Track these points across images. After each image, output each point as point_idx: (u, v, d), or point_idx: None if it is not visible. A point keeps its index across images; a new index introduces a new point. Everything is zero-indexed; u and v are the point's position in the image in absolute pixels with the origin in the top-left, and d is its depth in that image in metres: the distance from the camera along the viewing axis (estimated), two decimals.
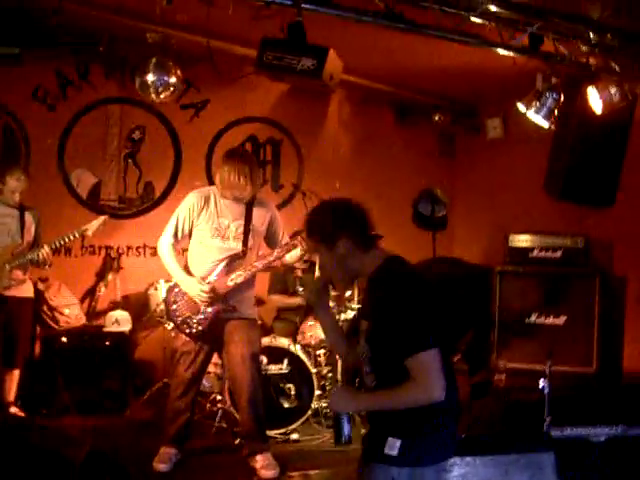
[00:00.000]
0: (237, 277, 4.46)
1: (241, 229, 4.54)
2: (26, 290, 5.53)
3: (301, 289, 2.42)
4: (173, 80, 5.70)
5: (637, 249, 5.99)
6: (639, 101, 5.31)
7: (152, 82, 5.65)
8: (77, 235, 5.32)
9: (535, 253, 6.17)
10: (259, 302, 6.35)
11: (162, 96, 5.76)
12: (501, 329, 6.01)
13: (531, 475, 3.44)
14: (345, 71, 4.63)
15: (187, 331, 4.54)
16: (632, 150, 5.40)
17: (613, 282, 6.07)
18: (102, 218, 5.42)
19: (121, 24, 5.70)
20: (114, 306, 6.78)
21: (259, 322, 5.22)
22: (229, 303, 4.52)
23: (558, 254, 6.14)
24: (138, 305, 6.72)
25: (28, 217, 5.48)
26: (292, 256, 4.66)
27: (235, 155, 4.56)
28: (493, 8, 4.29)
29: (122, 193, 7.10)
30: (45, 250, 5.23)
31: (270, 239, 4.70)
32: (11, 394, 5.56)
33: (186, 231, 4.60)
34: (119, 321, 6.42)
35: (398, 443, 2.41)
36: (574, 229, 6.30)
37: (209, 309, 4.49)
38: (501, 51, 4.67)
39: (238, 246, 4.53)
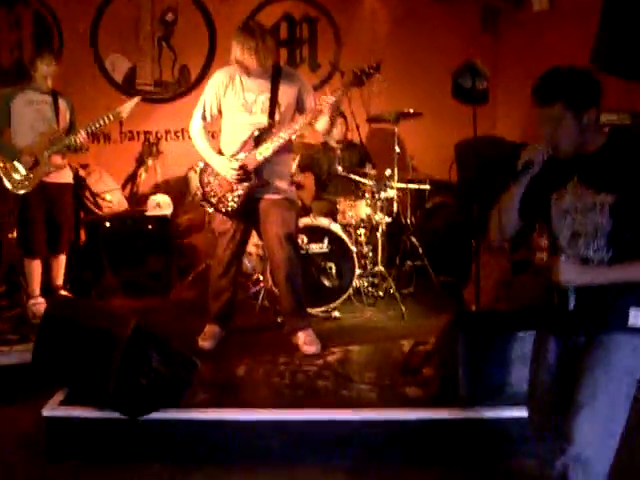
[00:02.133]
0: (265, 150, 4.39)
1: (268, 102, 4.43)
2: (66, 176, 5.55)
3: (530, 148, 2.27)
4: None
5: None
6: None
7: None
8: (112, 118, 5.23)
9: None
10: (297, 186, 6.36)
11: None
12: None
13: None
14: None
15: (223, 210, 4.54)
16: None
17: None
18: (135, 99, 5.34)
19: None
20: (155, 190, 6.83)
21: (297, 202, 5.21)
22: (262, 178, 4.49)
23: (604, 130, 5.94)
24: (179, 189, 6.77)
25: (62, 103, 5.44)
26: (322, 124, 4.51)
27: (240, 30, 4.37)
28: None
29: (158, 77, 7.04)
30: (82, 134, 5.22)
31: (302, 112, 4.55)
32: (59, 279, 5.69)
33: (215, 111, 4.52)
34: (160, 205, 6.48)
35: None
36: (621, 105, 6.08)
37: (242, 186, 4.47)
38: None
39: (264, 120, 4.45)
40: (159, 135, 7.05)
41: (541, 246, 5.52)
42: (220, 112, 4.54)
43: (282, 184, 4.57)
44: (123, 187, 6.85)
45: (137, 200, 6.80)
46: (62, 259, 5.68)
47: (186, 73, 7.07)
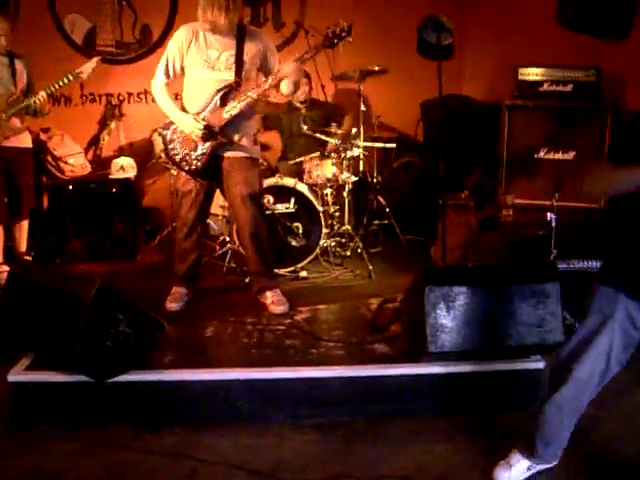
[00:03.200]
0: (232, 109, 4.34)
1: (232, 59, 4.35)
2: (25, 140, 5.43)
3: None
4: None
5: None
6: None
7: None
8: (71, 78, 5.09)
9: (545, 87, 5.97)
10: (264, 147, 6.31)
11: None
12: (509, 165, 5.91)
13: (536, 302, 3.47)
14: None
15: (186, 168, 4.49)
16: None
17: (625, 117, 5.91)
18: (95, 59, 5.20)
19: None
20: (119, 153, 6.74)
21: (261, 162, 5.17)
22: (226, 136, 4.43)
23: (569, 87, 5.94)
24: (143, 151, 6.68)
25: (19, 64, 5.27)
26: (286, 87, 4.48)
27: None
28: None
29: (119, 38, 6.89)
30: (42, 95, 5.10)
31: (265, 72, 4.51)
32: (22, 245, 5.62)
33: (177, 68, 4.45)
34: (124, 168, 6.40)
35: None
36: (587, 62, 6.09)
37: (206, 144, 4.41)
38: None
39: (231, 76, 4.37)
40: (121, 97, 6.93)
41: (507, 204, 5.56)
42: (183, 69, 4.46)
43: (246, 142, 4.52)
44: (86, 151, 6.73)
45: (101, 163, 6.70)
46: (24, 225, 5.61)
47: (147, 33, 6.94)
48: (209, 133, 4.36)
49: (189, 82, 4.49)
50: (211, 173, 4.53)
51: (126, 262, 6.04)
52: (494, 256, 5.02)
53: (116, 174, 6.37)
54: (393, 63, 6.38)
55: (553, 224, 4.47)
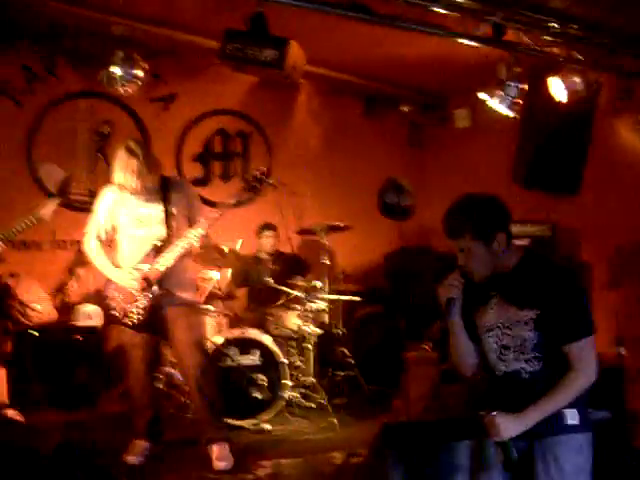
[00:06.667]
0: (165, 261, 4.45)
1: (162, 215, 4.51)
2: None
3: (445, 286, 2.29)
4: (139, 73, 5.72)
5: (602, 237, 6.07)
6: (602, 90, 5.40)
7: (119, 75, 5.68)
8: (34, 220, 5.07)
9: None
10: (229, 296, 6.40)
11: (128, 89, 5.78)
12: None
13: None
14: (311, 63, 4.66)
15: (129, 323, 4.54)
16: (596, 139, 5.47)
17: (579, 269, 6.14)
18: (55, 201, 5.27)
19: (86, 17, 5.67)
20: (86, 300, 6.76)
21: (201, 306, 5.30)
22: (164, 288, 4.49)
23: (525, 242, 6.18)
24: None
25: None
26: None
27: (122, 154, 4.43)
28: None
29: (92, 187, 7.07)
30: None
31: (191, 219, 4.61)
32: (2, 396, 5.41)
33: (109, 227, 4.61)
34: (91, 316, 6.40)
35: (576, 413, 2.56)
36: (541, 218, 6.37)
37: (145, 297, 4.48)
38: (465, 41, 4.71)
39: (162, 231, 4.50)
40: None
41: None
42: (114, 229, 4.60)
43: (185, 294, 4.62)
44: (54, 296, 6.75)
45: (67, 309, 6.70)
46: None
47: None
48: (146, 284, 4.44)
49: (121, 240, 4.63)
50: (154, 326, 4.57)
51: (87, 410, 5.94)
52: (457, 409, 5.05)
53: (83, 322, 6.37)
54: (357, 218, 6.63)
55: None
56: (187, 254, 4.58)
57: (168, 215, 4.52)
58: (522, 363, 2.61)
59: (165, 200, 4.53)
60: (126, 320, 4.54)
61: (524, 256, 2.68)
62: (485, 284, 2.71)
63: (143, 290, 4.45)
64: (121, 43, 5.66)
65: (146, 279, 4.45)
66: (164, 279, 4.50)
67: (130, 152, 4.36)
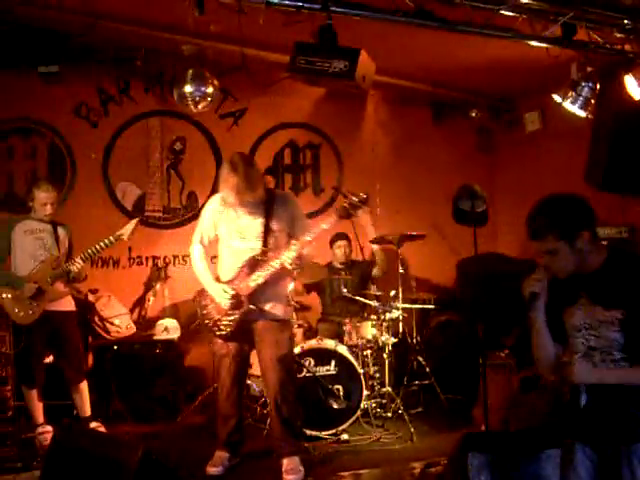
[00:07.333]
0: (257, 278, 4.48)
1: (261, 228, 4.54)
2: (68, 303, 5.49)
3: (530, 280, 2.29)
4: (210, 90, 5.85)
5: None
6: None
7: (190, 93, 5.82)
8: (113, 240, 5.30)
9: None
10: (303, 307, 6.43)
11: (200, 106, 5.92)
12: None
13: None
14: (379, 72, 4.66)
15: (218, 334, 4.61)
16: None
17: None
18: (134, 221, 5.44)
19: (156, 38, 5.82)
20: (163, 314, 6.90)
21: (292, 322, 5.26)
22: (256, 305, 4.53)
23: (603, 244, 6.06)
24: (186, 313, 6.83)
25: (61, 231, 5.47)
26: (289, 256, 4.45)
27: (225, 168, 4.50)
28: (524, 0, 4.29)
29: (166, 204, 7.22)
30: (77, 261, 5.25)
31: (293, 236, 4.60)
32: (85, 409, 5.50)
33: (211, 235, 4.67)
34: (168, 329, 6.53)
35: None
36: (618, 219, 6.22)
37: (236, 311, 4.54)
38: (534, 43, 4.66)
39: (258, 245, 4.54)
40: (167, 260, 7.17)
41: None
42: (216, 237, 4.67)
43: (276, 309, 4.63)
44: (131, 311, 6.90)
45: (146, 324, 6.85)
46: (81, 388, 5.49)
47: (193, 199, 7.27)
48: (237, 302, 4.49)
49: (222, 249, 4.69)
50: (244, 337, 4.63)
51: (167, 423, 6.05)
52: (538, 418, 4.95)
53: (160, 335, 6.50)
54: (429, 226, 6.59)
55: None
56: (281, 271, 4.56)
57: (267, 230, 4.54)
58: (609, 365, 2.56)
59: (267, 214, 4.56)
60: (216, 330, 4.62)
61: (610, 254, 2.64)
62: (572, 284, 2.67)
63: (232, 307, 4.52)
64: (191, 62, 5.79)
65: (236, 296, 4.50)
66: (255, 295, 4.53)
67: (232, 167, 4.41)
